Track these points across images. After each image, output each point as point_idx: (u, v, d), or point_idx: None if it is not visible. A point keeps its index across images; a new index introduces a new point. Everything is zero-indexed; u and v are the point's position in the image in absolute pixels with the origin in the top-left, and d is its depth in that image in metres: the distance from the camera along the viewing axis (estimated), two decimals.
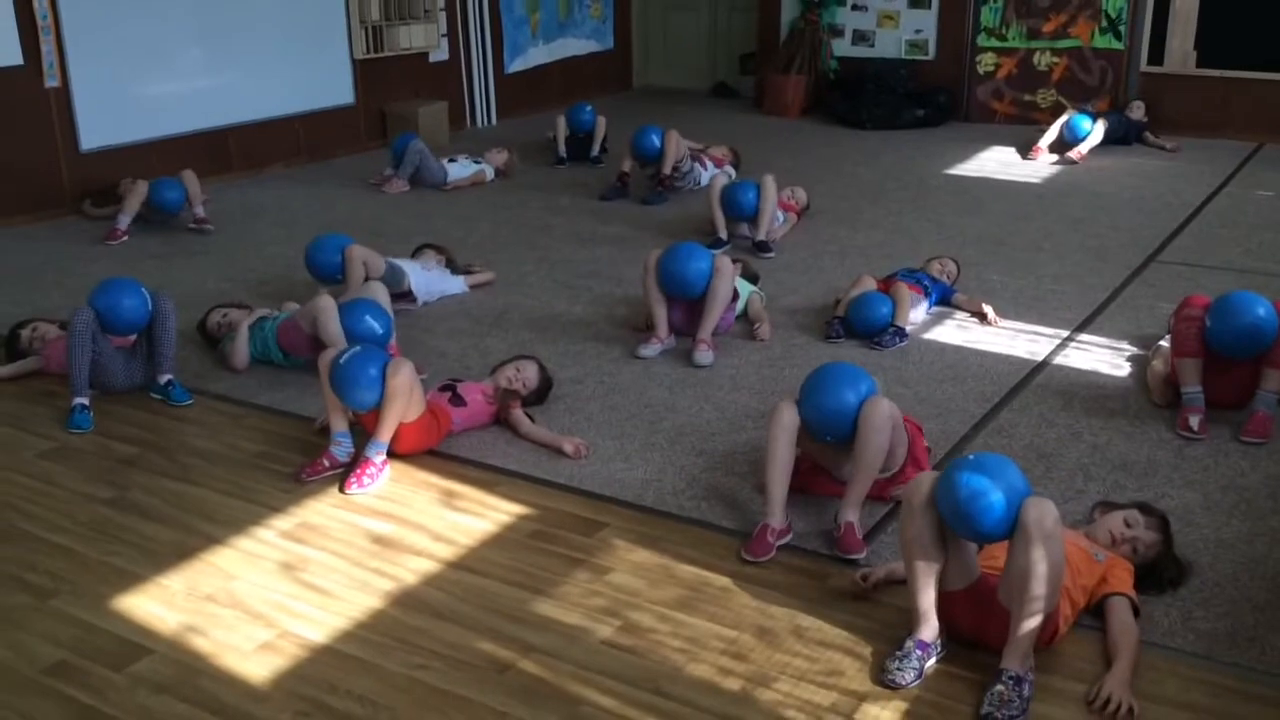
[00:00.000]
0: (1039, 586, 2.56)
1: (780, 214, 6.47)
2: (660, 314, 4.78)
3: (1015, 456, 3.37)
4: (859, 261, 5.92)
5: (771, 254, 6.13)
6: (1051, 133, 8.63)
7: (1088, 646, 2.80)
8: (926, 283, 5.19)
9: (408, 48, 9.18)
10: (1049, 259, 6.08)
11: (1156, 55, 9.38)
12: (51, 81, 6.95)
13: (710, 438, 4.02)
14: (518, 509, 3.54)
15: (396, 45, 9.07)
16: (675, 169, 7.38)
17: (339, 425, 3.78)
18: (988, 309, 5.13)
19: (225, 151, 8.05)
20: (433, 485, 3.71)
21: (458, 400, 4.02)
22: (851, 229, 6.70)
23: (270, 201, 7.52)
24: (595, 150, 8.49)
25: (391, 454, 3.77)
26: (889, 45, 10.34)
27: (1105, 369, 4.59)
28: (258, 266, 6.07)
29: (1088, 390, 4.37)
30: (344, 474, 3.69)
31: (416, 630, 2.93)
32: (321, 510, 3.56)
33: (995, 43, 9.91)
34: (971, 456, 2.72)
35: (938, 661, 2.74)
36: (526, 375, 4.19)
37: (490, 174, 8.04)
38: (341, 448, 3.76)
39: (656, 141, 7.35)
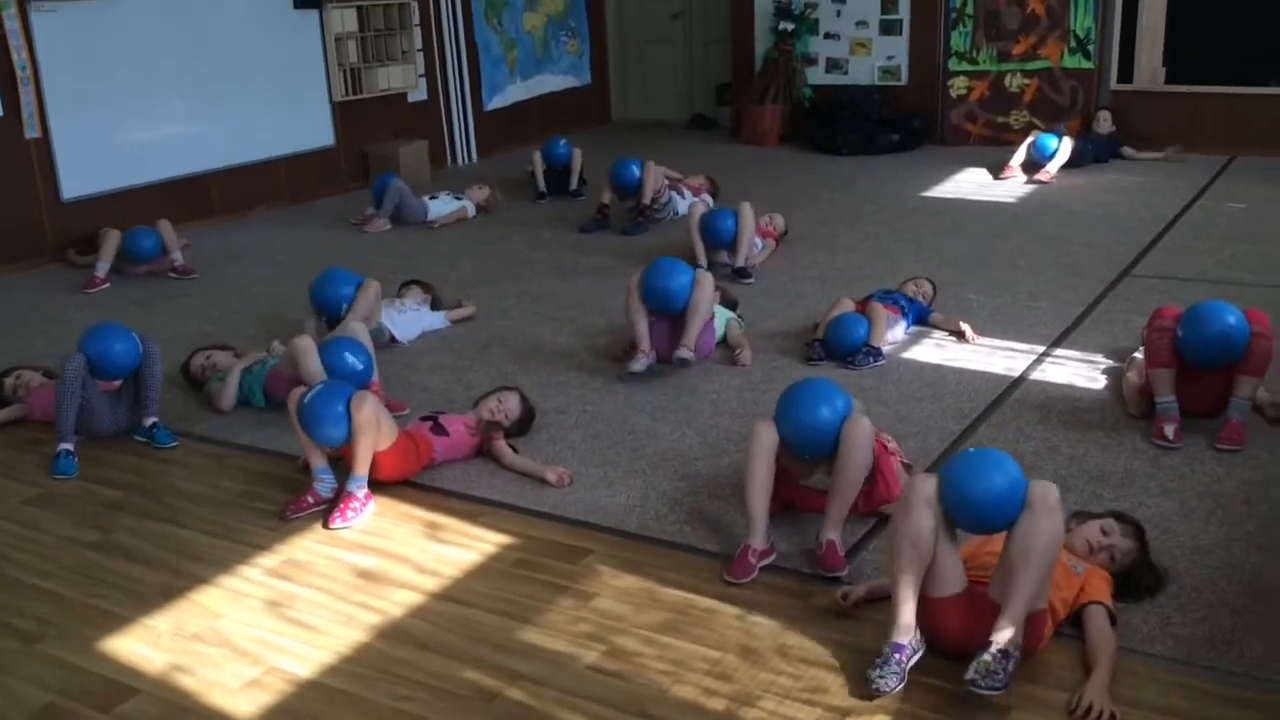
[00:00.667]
0: (1040, 558, 2.65)
1: (759, 240, 6.53)
2: (642, 328, 4.81)
3: None
4: (838, 285, 5.97)
5: (751, 279, 6.19)
6: (1020, 153, 8.71)
7: (1068, 655, 2.83)
8: (903, 303, 5.26)
9: (386, 89, 9.26)
10: (1025, 277, 6.14)
11: (1126, 73, 9.49)
12: (32, 132, 6.99)
13: (692, 462, 4.05)
14: (501, 538, 3.56)
15: (375, 87, 9.15)
16: (654, 199, 7.45)
17: (318, 462, 3.80)
18: (965, 327, 5.19)
19: (207, 196, 8.10)
20: (416, 518, 3.73)
21: (439, 429, 4.05)
22: (830, 253, 6.76)
23: (253, 244, 7.56)
24: (574, 183, 8.56)
25: (374, 483, 3.79)
26: (862, 72, 10.45)
27: (1081, 382, 4.64)
28: (240, 308, 6.11)
29: (1064, 404, 4.42)
30: (327, 510, 3.72)
31: (402, 662, 2.95)
32: (306, 546, 3.57)
33: (966, 66, 10.02)
34: (973, 450, 2.84)
35: (918, 659, 2.75)
36: (509, 406, 4.22)
37: (472, 210, 8.10)
38: (324, 483, 3.78)
39: (636, 172, 7.44)
